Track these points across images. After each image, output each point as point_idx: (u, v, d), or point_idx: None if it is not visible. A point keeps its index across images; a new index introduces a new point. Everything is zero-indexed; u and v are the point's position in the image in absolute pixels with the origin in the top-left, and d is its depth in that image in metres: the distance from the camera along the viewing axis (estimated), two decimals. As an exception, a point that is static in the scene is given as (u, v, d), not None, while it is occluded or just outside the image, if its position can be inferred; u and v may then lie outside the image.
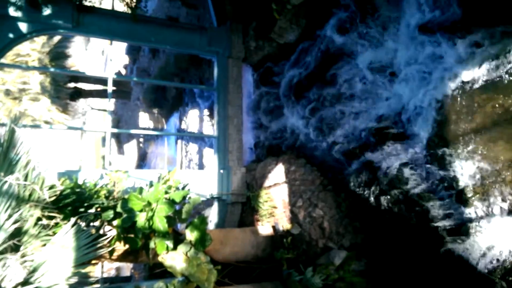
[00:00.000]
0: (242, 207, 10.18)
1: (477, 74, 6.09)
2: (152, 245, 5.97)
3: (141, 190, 6.37)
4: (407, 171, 6.80)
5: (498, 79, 5.76)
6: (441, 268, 6.18)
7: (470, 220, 5.86)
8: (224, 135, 10.72)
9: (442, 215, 6.22)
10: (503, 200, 5.53)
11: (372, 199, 7.40)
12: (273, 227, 8.75)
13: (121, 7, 12.71)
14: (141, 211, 5.94)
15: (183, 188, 6.69)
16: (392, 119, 7.42)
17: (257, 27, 10.88)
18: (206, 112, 14.58)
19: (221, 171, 10.28)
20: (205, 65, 14.02)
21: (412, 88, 7.13)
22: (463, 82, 6.27)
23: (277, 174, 9.32)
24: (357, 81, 8.31)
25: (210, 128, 14.07)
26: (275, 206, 8.97)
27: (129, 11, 11.04)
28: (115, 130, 10.74)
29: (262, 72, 11.43)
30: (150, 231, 5.88)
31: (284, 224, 8.55)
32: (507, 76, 5.65)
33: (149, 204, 5.91)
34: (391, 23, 7.69)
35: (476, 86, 6.08)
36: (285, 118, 10.38)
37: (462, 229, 6.00)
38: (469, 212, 5.90)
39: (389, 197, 7.11)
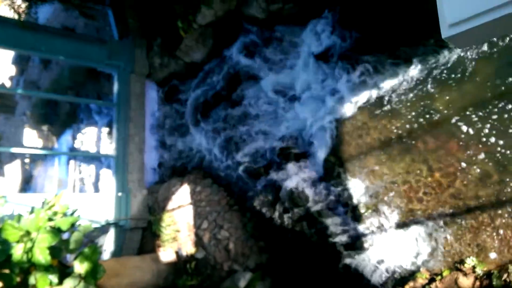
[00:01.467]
0: (142, 233, 9.48)
1: (366, 98, 6.69)
2: (32, 280, 5.15)
3: (19, 217, 5.50)
4: (307, 190, 7.08)
5: (385, 104, 6.40)
6: (340, 282, 6.46)
7: (364, 235, 6.28)
8: (124, 154, 9.99)
9: (339, 231, 6.56)
10: (392, 215, 6.06)
11: (276, 218, 7.51)
12: (176, 252, 8.29)
13: (7, 12, 11.29)
14: (18, 242, 5.12)
15: (71, 214, 5.94)
16: (294, 139, 7.72)
17: (162, 44, 10.56)
18: (104, 130, 13.52)
19: (120, 194, 9.50)
20: (103, 79, 13.08)
21: (310, 110, 7.54)
22: (354, 106, 6.83)
23: (182, 195, 8.94)
24: (262, 103, 8.52)
25: (108, 147, 13.05)
26: (179, 230, 8.54)
27: (17, 17, 9.87)
28: (-9, 149, 9.28)
29: (167, 90, 11.07)
30: (30, 264, 5.08)
31: (188, 248, 8.16)
32: (393, 101, 6.31)
33: (28, 233, 5.12)
34: (293, 50, 8.11)
35: (366, 110, 6.67)
36: (191, 137, 10.12)
37: (356, 244, 6.38)
38: (363, 227, 6.33)
39: (291, 215, 7.29)
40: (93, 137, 14.05)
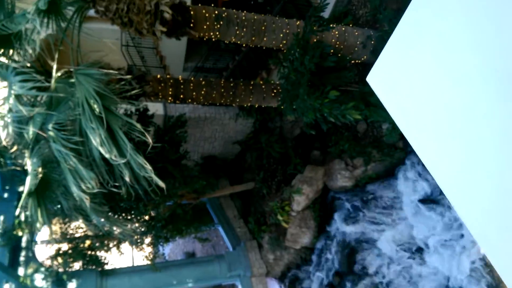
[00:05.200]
0: None
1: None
2: None
3: None
4: None
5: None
6: None
7: None
8: None
9: None
10: None
11: None
12: None
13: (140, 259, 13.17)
14: None
15: None
16: (444, 297, 6.72)
17: (270, 240, 11.08)
18: None
19: None
20: (230, 290, 13.50)
21: (446, 258, 6.76)
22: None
23: None
24: (389, 266, 7.92)
25: None
26: None
27: (149, 262, 11.40)
28: None
29: (289, 283, 10.95)
30: None
31: None
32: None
33: None
34: (394, 202, 7.96)
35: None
36: (330, 328, 9.31)
37: None
38: None
39: None
40: None
